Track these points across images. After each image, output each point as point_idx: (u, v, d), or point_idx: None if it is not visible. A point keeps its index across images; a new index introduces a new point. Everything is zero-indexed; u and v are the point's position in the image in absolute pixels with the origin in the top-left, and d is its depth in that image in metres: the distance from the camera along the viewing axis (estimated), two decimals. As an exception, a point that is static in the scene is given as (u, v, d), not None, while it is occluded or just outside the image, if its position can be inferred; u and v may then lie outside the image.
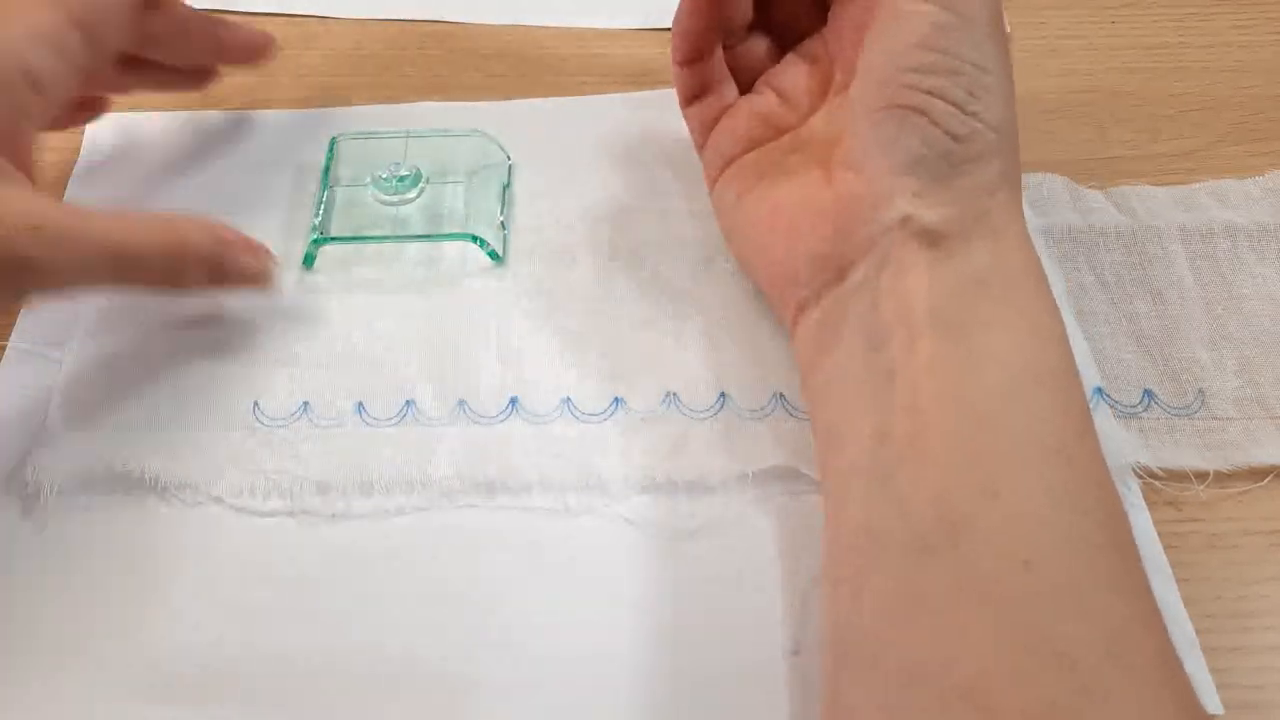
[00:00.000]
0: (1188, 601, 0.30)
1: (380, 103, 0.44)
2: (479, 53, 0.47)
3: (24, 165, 0.33)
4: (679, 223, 0.39)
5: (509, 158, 0.41)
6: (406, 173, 0.40)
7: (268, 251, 0.36)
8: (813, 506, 0.32)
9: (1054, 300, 0.30)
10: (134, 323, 0.36)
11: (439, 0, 0.49)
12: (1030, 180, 0.40)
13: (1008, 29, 0.46)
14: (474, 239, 0.38)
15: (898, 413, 0.28)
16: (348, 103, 0.45)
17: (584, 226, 0.39)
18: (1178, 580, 0.31)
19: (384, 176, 0.39)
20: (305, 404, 0.35)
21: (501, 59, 0.47)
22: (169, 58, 0.40)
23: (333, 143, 0.41)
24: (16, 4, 0.33)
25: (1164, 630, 0.25)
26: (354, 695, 0.30)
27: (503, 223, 0.39)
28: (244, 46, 0.41)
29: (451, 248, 0.39)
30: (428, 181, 0.40)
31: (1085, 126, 0.43)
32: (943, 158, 0.29)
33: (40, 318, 0.37)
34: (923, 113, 0.29)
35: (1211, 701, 0.29)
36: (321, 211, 0.39)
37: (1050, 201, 0.39)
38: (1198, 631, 0.30)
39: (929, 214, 0.29)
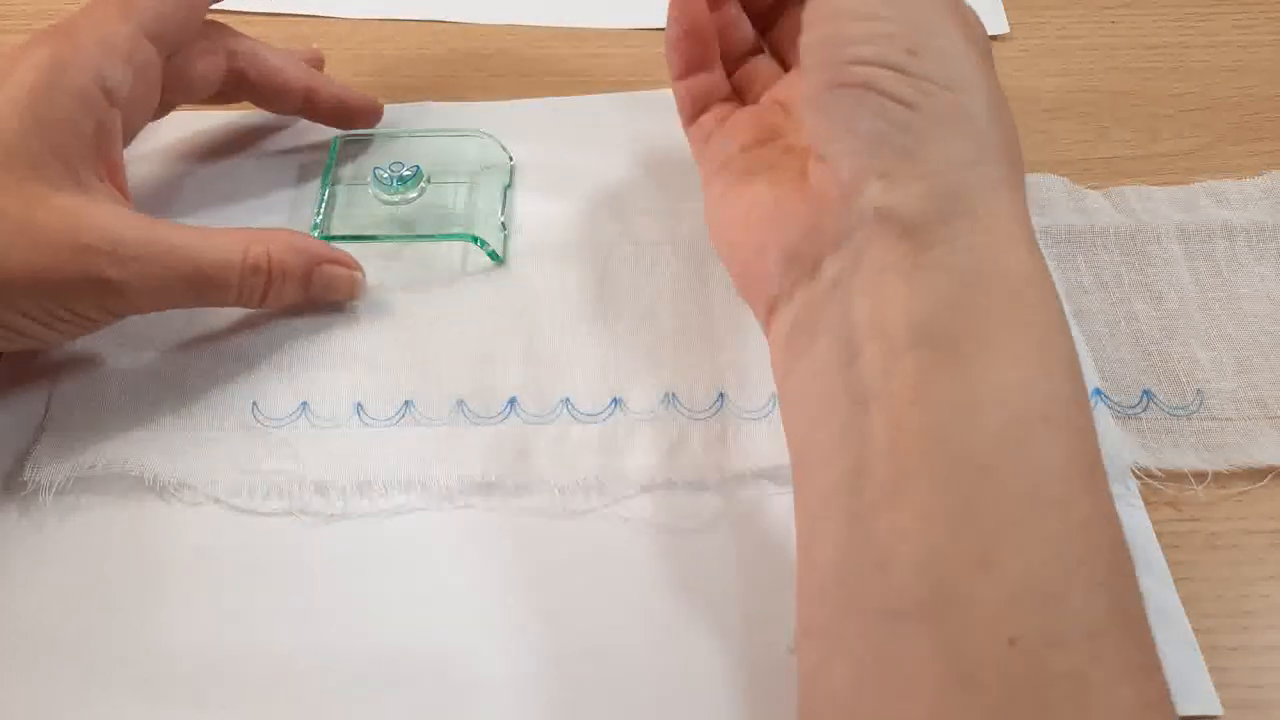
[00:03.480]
0: (1187, 601, 0.30)
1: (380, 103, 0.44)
2: (479, 53, 0.47)
3: (115, 179, 0.34)
4: (678, 223, 0.39)
5: (511, 158, 0.41)
6: (408, 172, 0.39)
7: (354, 261, 0.37)
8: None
9: (1061, 310, 0.26)
10: (133, 323, 0.36)
11: (439, 0, 0.49)
12: (1030, 180, 0.39)
13: (1006, 28, 0.47)
14: (474, 239, 0.38)
15: (877, 450, 0.24)
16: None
17: (582, 227, 0.39)
18: (1177, 580, 0.31)
19: (385, 176, 0.39)
20: (304, 404, 0.35)
21: (501, 59, 0.47)
22: (260, 103, 0.41)
23: (334, 142, 0.41)
24: (90, 18, 0.33)
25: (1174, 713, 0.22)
26: (353, 695, 0.30)
27: (503, 223, 0.39)
28: (333, 102, 0.41)
29: (452, 247, 0.39)
30: (429, 181, 0.40)
31: (1085, 126, 0.43)
32: (902, 130, 0.26)
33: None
34: (866, 86, 0.26)
35: (1211, 701, 0.29)
36: (323, 210, 0.39)
37: (1049, 202, 0.39)
38: (1197, 631, 0.30)
39: (899, 195, 0.26)
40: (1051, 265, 0.37)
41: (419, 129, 0.42)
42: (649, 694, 0.29)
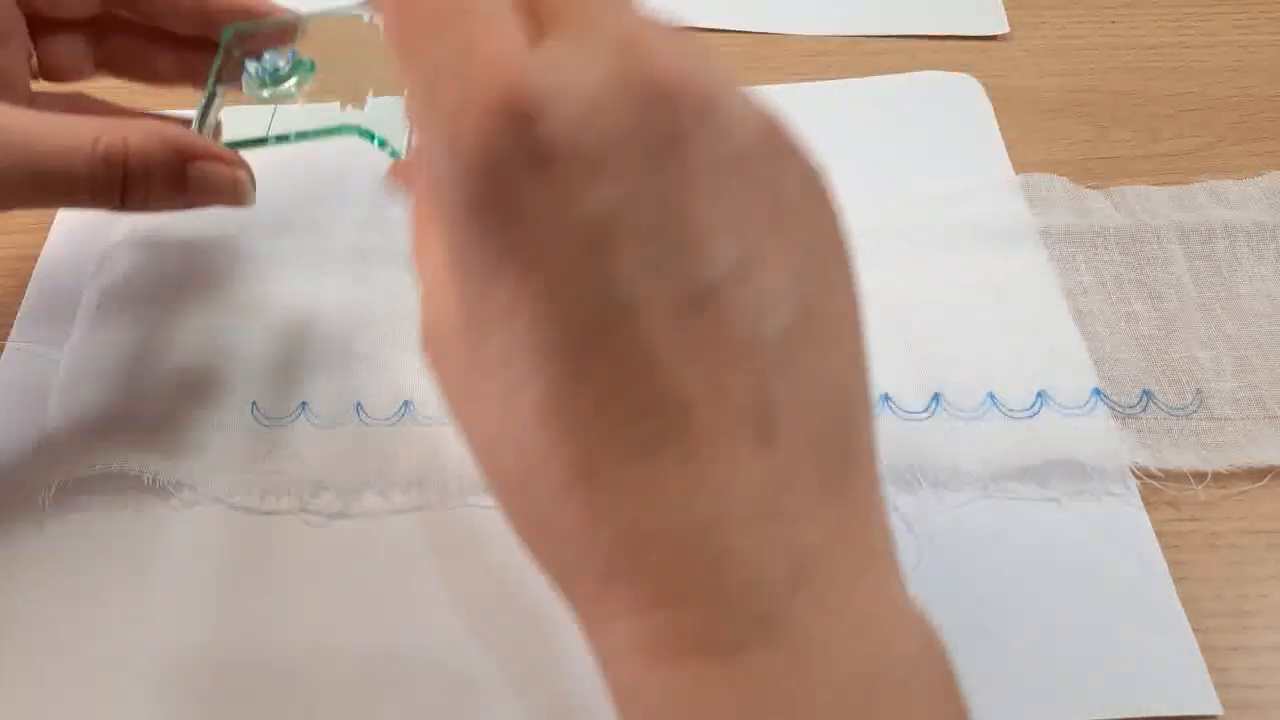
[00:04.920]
0: (1187, 601, 0.30)
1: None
2: (479, 53, 0.47)
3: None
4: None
5: None
6: (284, 63, 0.34)
7: (238, 159, 0.32)
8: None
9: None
10: (133, 322, 0.36)
11: (439, 0, 0.49)
12: (1030, 180, 0.40)
13: (1006, 28, 0.47)
14: (367, 134, 0.32)
15: None
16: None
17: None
18: (1177, 580, 0.31)
19: (256, 69, 0.34)
20: (304, 404, 0.35)
21: (501, 59, 0.47)
22: (144, 35, 0.35)
23: (225, 33, 0.35)
24: None
25: None
26: (354, 695, 0.30)
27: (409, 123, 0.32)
28: (235, 12, 0.35)
29: (343, 151, 0.33)
30: (313, 70, 0.34)
31: (1085, 126, 0.43)
32: None
33: (39, 316, 0.37)
34: None
35: (1211, 701, 0.29)
36: (200, 113, 0.34)
37: (1049, 201, 0.39)
38: (1197, 631, 0.30)
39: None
40: (1051, 265, 0.37)
41: (323, 10, 0.35)
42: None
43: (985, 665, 0.29)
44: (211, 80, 0.34)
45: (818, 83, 0.45)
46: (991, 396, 0.34)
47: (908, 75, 0.45)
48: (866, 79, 0.45)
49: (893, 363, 0.35)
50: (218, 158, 0.31)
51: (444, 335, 0.22)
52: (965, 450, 0.33)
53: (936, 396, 0.34)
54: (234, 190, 0.32)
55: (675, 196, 0.18)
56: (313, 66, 0.34)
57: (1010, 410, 0.34)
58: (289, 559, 0.32)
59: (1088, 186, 0.40)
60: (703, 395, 0.18)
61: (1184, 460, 0.33)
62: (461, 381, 0.21)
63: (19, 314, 0.37)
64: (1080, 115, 0.43)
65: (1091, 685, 0.29)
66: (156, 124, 0.31)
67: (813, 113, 0.43)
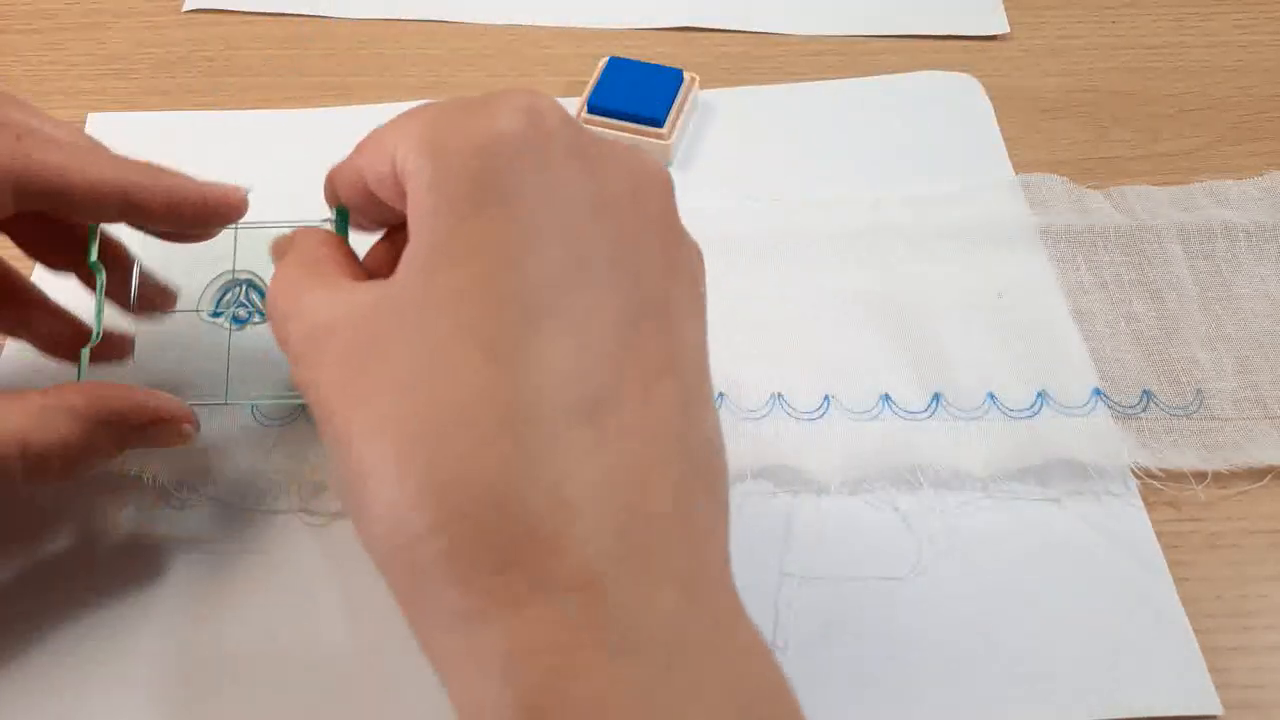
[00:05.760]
0: (1187, 601, 0.30)
1: (380, 102, 0.44)
2: (479, 53, 0.47)
3: None
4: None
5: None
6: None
7: (178, 408, 0.30)
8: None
9: None
10: (133, 322, 0.36)
11: (439, 0, 0.49)
12: (1030, 180, 0.40)
13: (1006, 28, 0.47)
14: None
15: None
16: (348, 102, 0.45)
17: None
18: (1177, 580, 0.31)
19: (235, 299, 0.33)
20: (304, 404, 0.35)
21: (501, 59, 0.47)
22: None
23: (93, 231, 0.31)
24: None
25: None
26: (354, 694, 0.30)
27: None
28: (172, 203, 0.30)
29: None
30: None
31: (1085, 126, 0.43)
32: None
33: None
34: None
35: (1211, 701, 0.29)
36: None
37: (1049, 201, 0.39)
38: (1198, 631, 0.30)
39: None
40: (1051, 265, 0.37)
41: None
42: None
43: (985, 665, 0.29)
44: (102, 293, 0.32)
45: (817, 83, 0.45)
46: (991, 396, 0.34)
47: (908, 75, 0.45)
48: (866, 79, 0.45)
49: (893, 363, 0.35)
50: (159, 418, 0.29)
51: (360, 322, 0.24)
52: (965, 450, 0.33)
53: (937, 396, 0.34)
54: (180, 441, 0.30)
55: None
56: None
57: (1010, 410, 0.34)
58: (289, 559, 0.32)
59: (1088, 186, 0.40)
60: None
61: (1184, 460, 0.33)
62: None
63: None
64: (1080, 115, 0.43)
65: (1091, 685, 0.29)
66: (68, 392, 0.27)
67: (813, 113, 0.44)
